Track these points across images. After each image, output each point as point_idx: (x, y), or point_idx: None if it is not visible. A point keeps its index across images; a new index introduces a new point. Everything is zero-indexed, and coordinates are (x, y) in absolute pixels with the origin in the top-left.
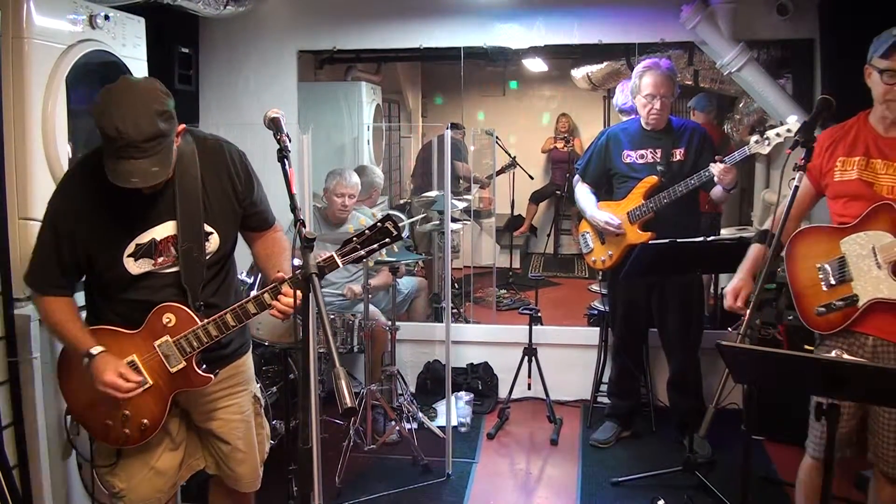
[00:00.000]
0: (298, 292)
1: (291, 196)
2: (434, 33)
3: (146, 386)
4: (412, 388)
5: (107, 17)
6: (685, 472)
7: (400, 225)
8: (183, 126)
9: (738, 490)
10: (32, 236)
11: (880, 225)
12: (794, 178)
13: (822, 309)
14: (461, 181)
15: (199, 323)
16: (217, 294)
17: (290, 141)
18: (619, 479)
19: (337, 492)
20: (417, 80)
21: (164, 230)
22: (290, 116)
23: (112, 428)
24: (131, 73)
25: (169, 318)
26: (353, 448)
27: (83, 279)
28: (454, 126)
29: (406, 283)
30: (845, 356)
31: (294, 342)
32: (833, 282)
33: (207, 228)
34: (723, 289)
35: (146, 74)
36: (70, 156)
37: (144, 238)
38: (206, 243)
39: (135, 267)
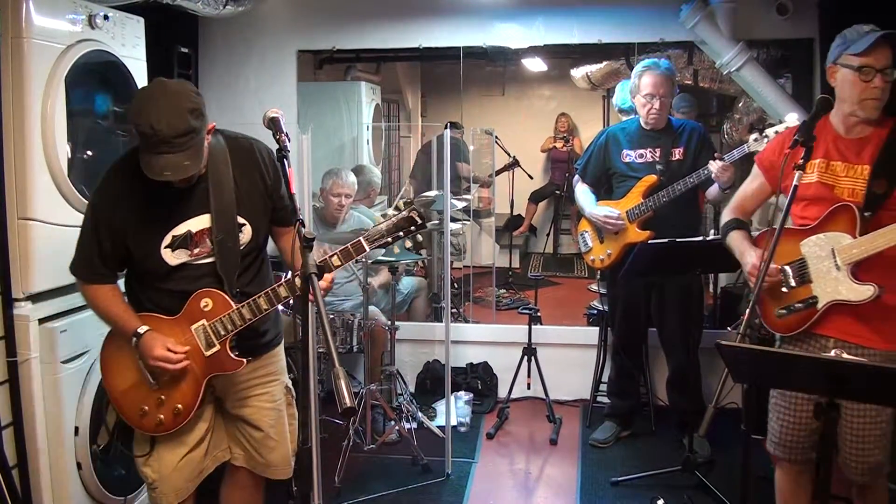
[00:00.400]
0: (328, 276)
1: (291, 196)
2: (433, 33)
3: (185, 363)
4: (411, 388)
5: (106, 17)
6: (685, 471)
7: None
8: (213, 124)
9: (738, 490)
10: (32, 236)
11: (839, 226)
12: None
13: (783, 311)
14: (462, 181)
15: (235, 307)
16: (252, 283)
17: (289, 141)
18: (619, 479)
19: (336, 491)
20: (417, 79)
21: (200, 223)
22: (289, 116)
23: (147, 413)
24: (130, 74)
25: (206, 303)
26: (352, 448)
27: (124, 270)
28: (452, 125)
29: (406, 284)
30: (845, 355)
31: (294, 341)
32: (793, 284)
33: (240, 220)
34: (722, 288)
35: (145, 74)
36: (69, 156)
37: (180, 230)
38: (240, 234)
39: (172, 258)
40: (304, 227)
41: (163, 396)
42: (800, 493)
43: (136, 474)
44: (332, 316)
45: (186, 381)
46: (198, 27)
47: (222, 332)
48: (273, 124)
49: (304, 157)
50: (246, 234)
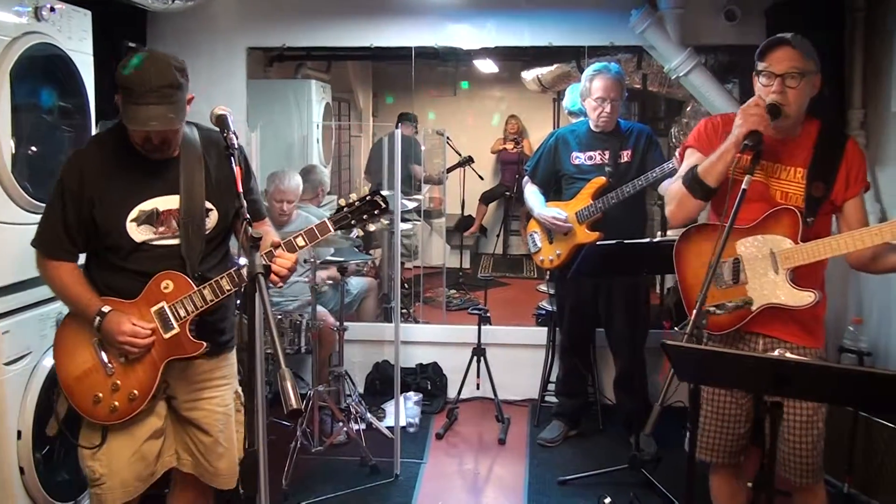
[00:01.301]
0: (293, 256)
1: (238, 195)
2: (385, 32)
3: (152, 338)
4: (360, 389)
5: (52, 10)
6: (631, 469)
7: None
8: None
9: (683, 486)
10: None
11: (780, 230)
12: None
13: (715, 310)
14: (415, 180)
15: (196, 288)
16: (214, 270)
17: (237, 139)
18: (566, 478)
19: (284, 494)
20: (368, 79)
21: (168, 203)
22: (238, 114)
23: (101, 400)
24: (77, 68)
25: (167, 284)
26: (300, 450)
27: (85, 254)
28: (406, 117)
29: (355, 284)
30: (788, 355)
31: (241, 343)
32: (727, 283)
33: (208, 205)
34: (669, 288)
35: (92, 69)
36: (13, 151)
37: (148, 206)
38: (207, 219)
39: (136, 233)
40: (251, 226)
41: (118, 382)
42: (734, 495)
43: (81, 480)
44: (279, 316)
45: (143, 365)
46: (146, 22)
47: (182, 314)
48: (220, 122)
49: (253, 156)
50: (212, 219)
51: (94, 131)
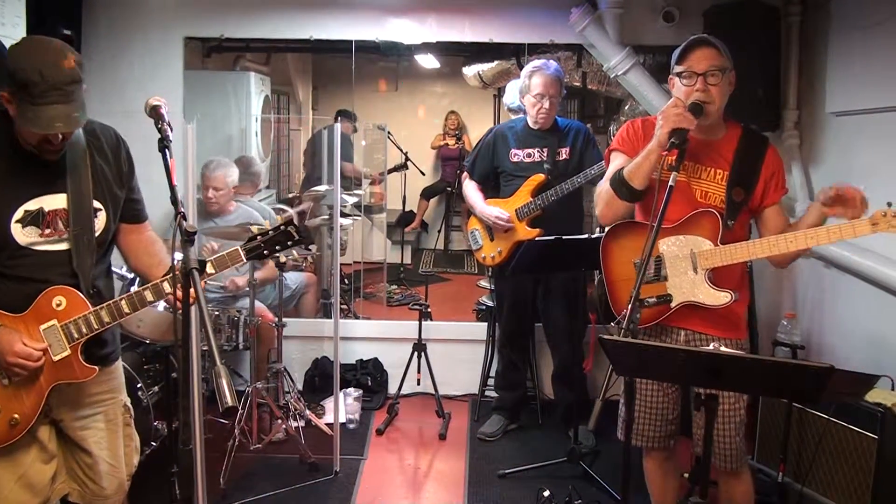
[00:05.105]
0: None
1: (172, 188)
2: (325, 25)
3: (42, 361)
4: (299, 386)
5: None
6: (570, 462)
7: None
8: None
9: (621, 477)
10: None
11: (701, 231)
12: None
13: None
14: (352, 180)
15: (91, 308)
16: (101, 280)
17: (171, 130)
18: (506, 472)
19: (222, 493)
20: (308, 72)
21: (54, 202)
22: (174, 105)
23: None
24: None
25: (59, 301)
26: (238, 448)
27: None
28: (345, 114)
29: (293, 279)
30: (723, 349)
31: (176, 340)
32: (649, 278)
33: (96, 205)
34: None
35: None
36: None
37: (33, 206)
38: (95, 219)
39: (21, 235)
40: (185, 220)
41: None
42: (667, 476)
43: None
44: (216, 312)
45: (27, 388)
46: (82, 8)
47: (75, 335)
48: (154, 113)
49: (189, 148)
50: (101, 220)
51: None
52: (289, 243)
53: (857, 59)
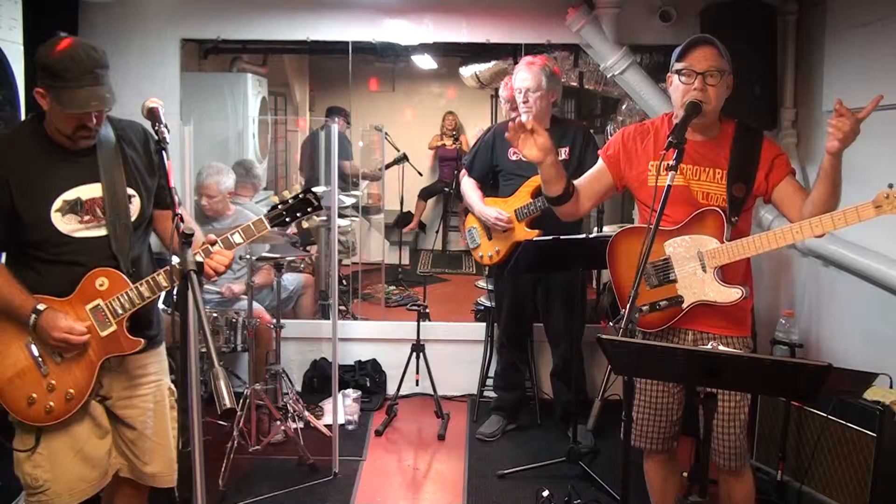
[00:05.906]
0: (230, 253)
1: (169, 190)
2: (322, 26)
3: (88, 336)
4: (298, 387)
5: None
6: (569, 462)
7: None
8: None
9: (620, 477)
10: None
11: (706, 230)
12: (665, 177)
13: (646, 308)
14: (350, 178)
15: (132, 285)
16: (141, 260)
17: (168, 132)
18: (505, 472)
19: (221, 495)
20: (305, 73)
21: (90, 191)
22: (171, 107)
23: (36, 401)
24: (6, 57)
25: (102, 282)
26: (237, 450)
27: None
28: (337, 111)
29: (291, 281)
30: (721, 347)
31: (175, 341)
32: (657, 282)
33: (130, 191)
34: (604, 285)
35: (22, 59)
36: None
37: (71, 195)
38: (130, 206)
39: (62, 223)
40: (182, 221)
41: (53, 382)
42: (668, 478)
43: (11, 487)
44: (215, 314)
45: (79, 364)
46: (78, 11)
47: (119, 311)
48: (152, 114)
49: (187, 150)
50: (135, 206)
51: None
52: (309, 209)
53: (854, 57)
